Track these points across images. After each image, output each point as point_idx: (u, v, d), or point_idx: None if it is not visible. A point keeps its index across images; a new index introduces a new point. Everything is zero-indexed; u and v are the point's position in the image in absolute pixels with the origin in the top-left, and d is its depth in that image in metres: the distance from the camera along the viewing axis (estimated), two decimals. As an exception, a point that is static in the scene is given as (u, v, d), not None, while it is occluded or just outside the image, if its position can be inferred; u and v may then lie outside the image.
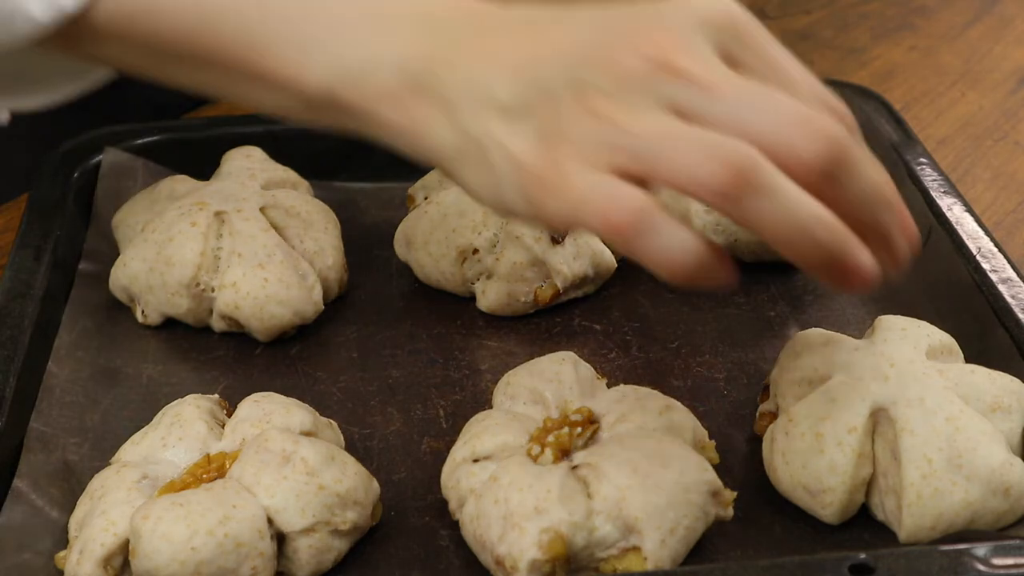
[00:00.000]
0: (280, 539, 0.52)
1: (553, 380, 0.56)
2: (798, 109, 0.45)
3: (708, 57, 0.46)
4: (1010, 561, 0.46)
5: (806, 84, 0.48)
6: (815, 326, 0.59)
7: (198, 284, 0.65)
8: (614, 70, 0.47)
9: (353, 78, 0.52)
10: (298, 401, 0.57)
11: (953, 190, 0.68)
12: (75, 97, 0.68)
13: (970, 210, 0.67)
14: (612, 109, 0.46)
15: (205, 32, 0.54)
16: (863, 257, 0.46)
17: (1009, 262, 0.63)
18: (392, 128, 0.52)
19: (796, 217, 0.44)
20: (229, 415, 0.57)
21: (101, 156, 0.74)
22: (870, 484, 0.53)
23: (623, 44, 0.47)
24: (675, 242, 0.44)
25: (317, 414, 0.57)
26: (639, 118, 0.46)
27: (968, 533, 0.51)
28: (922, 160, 0.71)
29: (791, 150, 0.45)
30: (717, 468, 0.53)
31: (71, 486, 0.56)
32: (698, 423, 0.55)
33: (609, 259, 0.68)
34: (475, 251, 0.66)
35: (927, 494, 0.51)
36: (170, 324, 0.67)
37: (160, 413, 0.57)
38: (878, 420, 0.53)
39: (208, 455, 0.54)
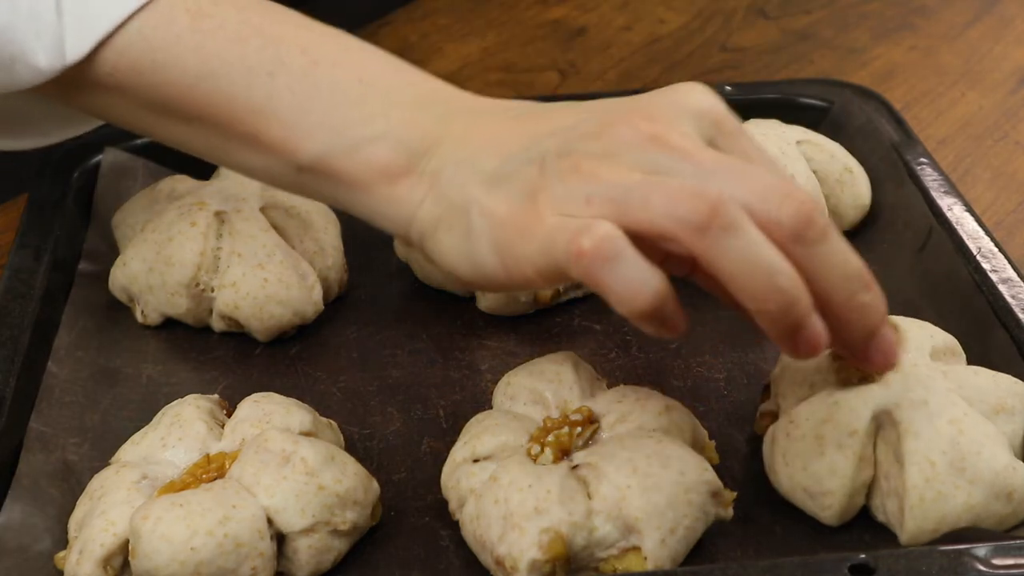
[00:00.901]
0: (280, 539, 0.52)
1: (553, 380, 0.56)
2: (774, 179, 0.47)
3: (694, 137, 0.48)
4: (1010, 561, 0.46)
5: (778, 172, 0.49)
6: (815, 326, 0.59)
7: (198, 284, 0.65)
8: (605, 138, 0.48)
9: (348, 149, 0.53)
10: (298, 401, 0.57)
11: (953, 190, 0.68)
12: (63, 140, 0.69)
13: (970, 210, 0.67)
14: (596, 166, 0.47)
15: (208, 90, 0.55)
16: (816, 320, 0.46)
17: (1009, 262, 0.63)
18: (379, 199, 0.53)
19: (761, 258, 0.45)
20: (229, 415, 0.57)
21: (101, 156, 0.74)
22: (871, 486, 0.53)
23: (615, 122, 0.48)
24: (638, 274, 0.45)
25: (317, 414, 0.57)
26: (621, 172, 0.47)
27: (968, 532, 0.51)
28: (922, 160, 0.71)
29: (764, 208, 0.46)
30: (717, 468, 0.53)
31: (71, 486, 0.56)
32: (698, 423, 0.55)
33: (609, 259, 0.67)
34: (475, 251, 0.66)
35: (930, 497, 0.51)
36: (170, 324, 0.67)
37: (160, 413, 0.57)
38: (881, 423, 0.53)
39: (208, 455, 0.54)
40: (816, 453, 0.52)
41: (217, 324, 0.66)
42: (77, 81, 0.56)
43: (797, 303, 0.45)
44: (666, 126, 0.48)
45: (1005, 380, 0.55)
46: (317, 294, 0.66)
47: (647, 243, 0.46)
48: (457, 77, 0.55)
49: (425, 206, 0.52)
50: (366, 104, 0.54)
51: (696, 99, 0.50)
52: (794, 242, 0.46)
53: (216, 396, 0.58)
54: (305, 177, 0.55)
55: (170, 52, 0.55)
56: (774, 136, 0.70)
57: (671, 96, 0.50)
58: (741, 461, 0.57)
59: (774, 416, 0.57)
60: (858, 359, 0.49)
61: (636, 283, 0.45)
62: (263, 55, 0.54)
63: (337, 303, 0.68)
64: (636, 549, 0.50)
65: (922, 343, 0.56)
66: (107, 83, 0.56)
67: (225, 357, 0.65)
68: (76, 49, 0.55)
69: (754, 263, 0.45)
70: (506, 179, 0.49)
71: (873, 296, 0.48)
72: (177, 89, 0.55)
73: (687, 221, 0.45)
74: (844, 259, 0.47)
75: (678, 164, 0.47)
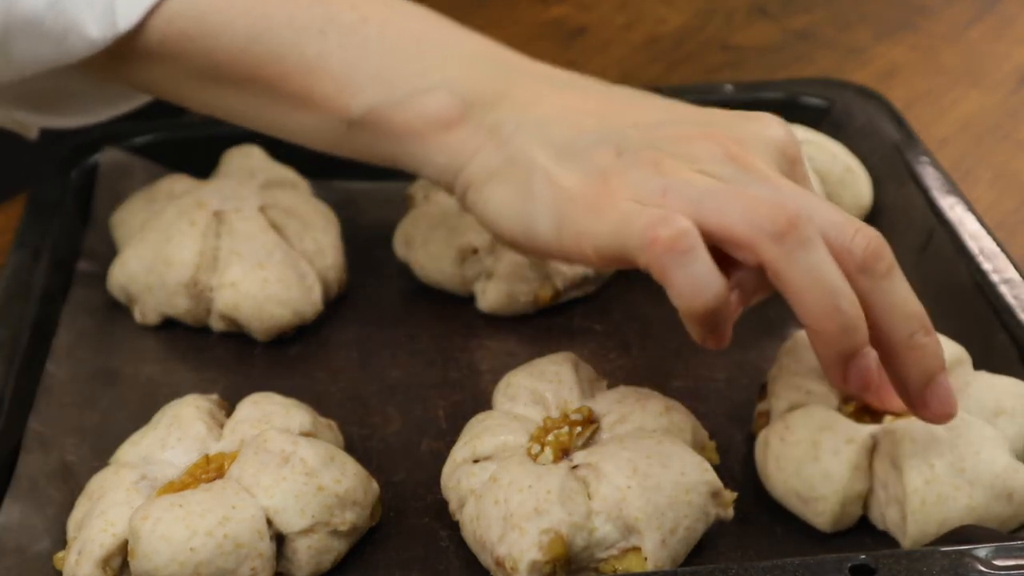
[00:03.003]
0: (279, 540, 0.51)
1: (553, 381, 0.56)
2: (846, 214, 0.48)
3: (771, 164, 0.50)
4: (1011, 562, 0.46)
5: None
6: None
7: (197, 284, 0.65)
8: (687, 147, 0.49)
9: (401, 100, 0.53)
10: (297, 402, 0.57)
11: (955, 190, 0.68)
12: (108, 119, 0.69)
13: (972, 210, 0.67)
14: (676, 165, 0.48)
15: (259, 52, 0.55)
16: (870, 353, 0.47)
17: (1011, 262, 0.62)
18: (430, 147, 0.53)
19: (829, 278, 0.46)
20: (228, 415, 0.57)
21: (100, 155, 0.74)
22: (870, 498, 0.53)
23: (701, 135, 0.50)
24: (707, 275, 0.46)
25: (316, 415, 0.57)
26: (701, 176, 0.48)
27: (969, 530, 0.50)
28: (923, 160, 0.71)
29: (838, 235, 0.47)
30: (717, 469, 0.53)
31: (70, 487, 0.56)
32: (698, 424, 0.55)
33: (609, 259, 0.67)
34: (475, 251, 0.66)
35: (931, 500, 0.50)
36: (169, 324, 0.66)
37: (159, 413, 0.57)
38: (878, 439, 0.53)
39: (207, 455, 0.54)
40: (811, 458, 0.52)
41: (216, 324, 0.66)
42: (128, 52, 0.56)
43: (855, 330, 0.46)
44: (745, 149, 0.49)
45: (1003, 382, 0.55)
46: (316, 294, 0.65)
47: (714, 253, 0.47)
48: (457, 76, 0.56)
49: (480, 157, 0.52)
50: (420, 58, 0.54)
51: (776, 133, 0.51)
52: (861, 273, 0.47)
53: (215, 396, 0.58)
54: (355, 132, 0.55)
55: (220, 16, 0.55)
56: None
57: (754, 125, 0.51)
58: (741, 461, 0.57)
59: (770, 416, 0.56)
60: (916, 406, 0.50)
61: (701, 282, 0.46)
62: (313, 13, 0.55)
63: (337, 303, 0.68)
64: (636, 549, 0.50)
65: None
66: (158, 52, 0.56)
67: (224, 357, 0.65)
68: (127, 17, 0.55)
69: (821, 281, 0.46)
70: (578, 155, 0.50)
71: (932, 340, 0.49)
72: (228, 54, 0.55)
73: (764, 229, 0.46)
74: (907, 298, 0.48)
75: (757, 182, 0.48)
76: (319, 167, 0.74)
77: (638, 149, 0.49)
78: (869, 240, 0.47)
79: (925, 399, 0.49)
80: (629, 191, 0.48)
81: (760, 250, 0.46)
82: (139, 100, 0.69)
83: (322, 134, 0.57)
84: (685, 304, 0.46)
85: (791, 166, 0.51)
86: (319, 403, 0.59)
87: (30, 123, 0.66)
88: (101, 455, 0.57)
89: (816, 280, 0.46)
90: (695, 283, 0.46)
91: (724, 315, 0.47)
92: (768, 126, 0.51)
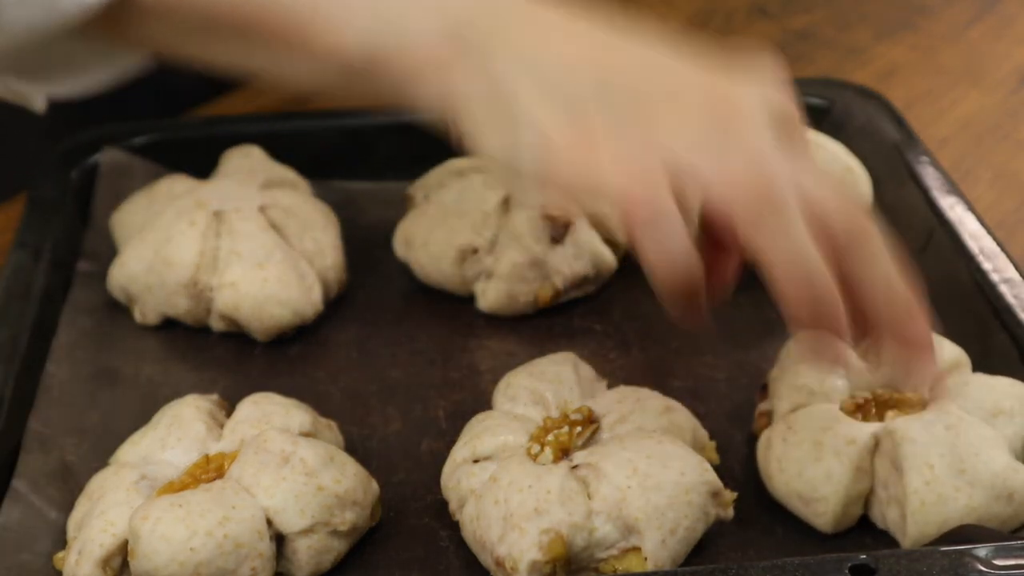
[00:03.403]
0: (279, 540, 0.51)
1: (553, 381, 0.56)
2: (837, 187, 0.48)
3: (764, 131, 0.49)
4: (1011, 562, 0.46)
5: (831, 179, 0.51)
6: (816, 326, 0.59)
7: (197, 284, 0.64)
8: (676, 107, 0.49)
9: (396, 40, 0.53)
10: (297, 402, 0.57)
11: (955, 190, 0.68)
12: (110, 85, 0.68)
13: (972, 210, 0.67)
14: (661, 128, 0.48)
15: (252, 1, 0.55)
16: (844, 331, 0.47)
17: (1011, 262, 0.62)
18: (426, 86, 0.53)
19: (802, 251, 0.46)
20: (228, 415, 0.57)
21: (100, 155, 0.74)
22: (871, 497, 0.53)
23: (696, 96, 0.49)
24: (677, 242, 0.45)
25: (316, 415, 0.57)
26: (687, 134, 0.47)
27: (969, 529, 0.50)
28: (923, 160, 0.71)
29: (822, 207, 0.46)
30: (717, 469, 0.53)
31: (70, 487, 0.56)
32: (698, 424, 0.55)
33: (609, 259, 0.68)
34: (475, 251, 0.66)
35: (931, 500, 0.50)
36: (169, 324, 0.66)
37: (159, 413, 0.57)
38: (879, 440, 0.53)
39: (207, 456, 0.54)
40: (813, 459, 0.52)
41: (216, 324, 0.66)
42: (121, 11, 0.56)
43: (824, 302, 0.46)
44: (739, 112, 0.49)
45: (1001, 383, 0.55)
46: (316, 294, 0.65)
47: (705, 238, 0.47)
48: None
49: (475, 87, 0.52)
50: None
51: (769, 93, 0.51)
52: (839, 243, 0.46)
53: (215, 396, 0.58)
54: (354, 77, 0.55)
55: None
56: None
57: (748, 84, 0.51)
58: (741, 461, 0.57)
59: (771, 417, 0.56)
60: (898, 350, 0.49)
61: (674, 250, 0.46)
62: None
63: (337, 303, 0.68)
64: (636, 549, 0.50)
65: None
66: (152, 8, 0.56)
67: (224, 357, 0.65)
68: None
69: (791, 251, 0.45)
70: (568, 105, 0.49)
71: (915, 323, 0.48)
72: (221, 5, 0.55)
73: (738, 195, 0.46)
74: (887, 270, 0.48)
75: (742, 147, 0.47)
76: (319, 167, 0.74)
77: (626, 105, 0.49)
78: (848, 216, 0.47)
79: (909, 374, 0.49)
80: (611, 149, 0.48)
81: (733, 216, 0.46)
82: (141, 60, 0.69)
83: (319, 77, 0.57)
84: (656, 272, 0.46)
85: (785, 125, 0.50)
86: (319, 403, 0.59)
87: (33, 93, 0.66)
88: (101, 455, 0.57)
89: (786, 250, 0.45)
90: (666, 249, 0.45)
91: (696, 287, 0.46)
92: (762, 86, 0.51)
